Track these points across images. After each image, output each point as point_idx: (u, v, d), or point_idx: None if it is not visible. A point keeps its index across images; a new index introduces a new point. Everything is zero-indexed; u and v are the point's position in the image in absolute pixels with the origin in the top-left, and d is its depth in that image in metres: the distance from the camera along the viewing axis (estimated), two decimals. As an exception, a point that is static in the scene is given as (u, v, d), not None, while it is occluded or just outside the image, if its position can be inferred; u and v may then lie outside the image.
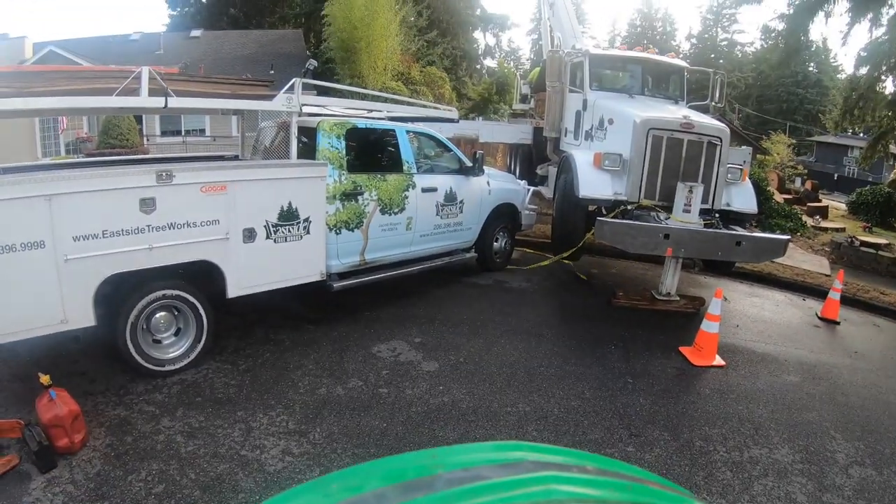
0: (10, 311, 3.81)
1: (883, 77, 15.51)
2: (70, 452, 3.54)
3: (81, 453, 3.57)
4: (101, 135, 17.15)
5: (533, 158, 11.66)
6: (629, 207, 7.19)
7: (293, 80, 5.49)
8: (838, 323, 7.75)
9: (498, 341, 5.74)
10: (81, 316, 4.10)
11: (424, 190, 6.57)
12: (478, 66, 37.57)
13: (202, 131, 20.94)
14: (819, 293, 8.92)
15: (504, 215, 8.08)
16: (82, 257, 4.03)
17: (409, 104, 7.75)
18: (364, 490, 0.31)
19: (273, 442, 3.79)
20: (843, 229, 15.22)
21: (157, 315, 4.63)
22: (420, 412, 4.28)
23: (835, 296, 7.95)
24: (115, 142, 16.39)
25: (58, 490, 3.23)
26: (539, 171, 10.88)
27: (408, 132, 6.60)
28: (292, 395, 4.41)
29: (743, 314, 7.64)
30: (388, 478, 0.32)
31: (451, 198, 6.95)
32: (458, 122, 8.36)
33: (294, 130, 5.43)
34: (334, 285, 5.74)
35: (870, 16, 13.61)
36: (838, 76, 51.15)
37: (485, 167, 7.62)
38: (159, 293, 4.56)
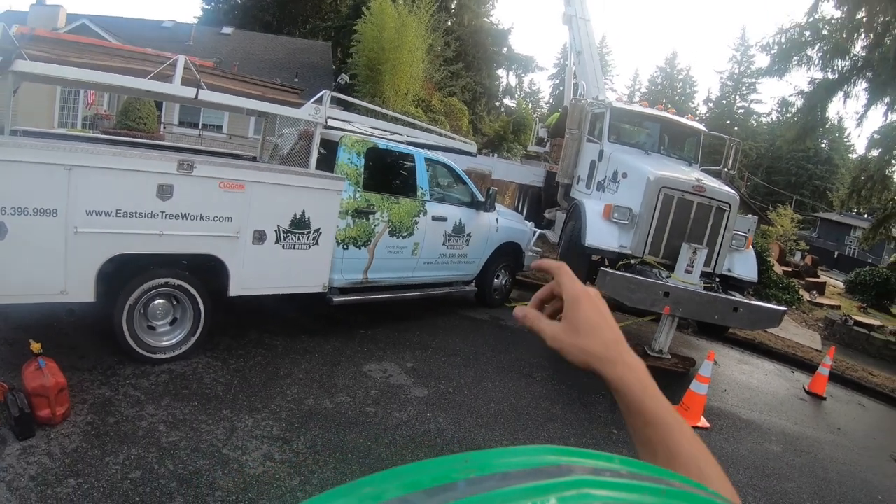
0: (12, 274, 3.86)
1: (894, 161, 15.74)
2: (50, 424, 3.56)
3: (61, 427, 3.59)
4: (120, 115, 17.23)
5: (542, 201, 11.77)
6: (632, 262, 7.26)
7: (323, 92, 5.60)
8: (824, 398, 7.79)
9: (489, 376, 5.76)
10: (81, 290, 4.15)
11: (435, 218, 6.65)
12: (496, 104, 37.95)
13: (219, 128, 21.10)
14: (808, 367, 8.99)
15: (508, 254, 8.16)
16: (92, 232, 4.09)
17: (429, 131, 7.86)
18: (397, 494, 0.33)
19: (256, 445, 3.80)
20: (839, 307, 15.29)
21: (156, 302, 4.69)
22: (405, 436, 4.29)
23: (824, 371, 8.01)
24: (132, 124, 16.45)
25: (32, 460, 3.25)
26: (547, 215, 10.97)
27: (426, 159, 6.70)
28: (280, 402, 4.42)
29: (732, 380, 7.67)
30: (418, 483, 0.34)
31: (459, 229, 7.02)
32: (475, 155, 8.46)
33: (317, 141, 5.52)
34: (334, 299, 5.79)
35: (887, 99, 13.85)
36: (850, 156, 51.83)
37: (496, 204, 7.71)
38: (162, 280, 4.63)
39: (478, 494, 0.36)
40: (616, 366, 0.72)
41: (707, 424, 5.77)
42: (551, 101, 58.35)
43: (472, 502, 0.35)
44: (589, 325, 0.73)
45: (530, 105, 45.40)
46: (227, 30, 27.45)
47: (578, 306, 0.75)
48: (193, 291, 4.78)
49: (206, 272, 4.88)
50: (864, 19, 13.04)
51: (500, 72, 38.11)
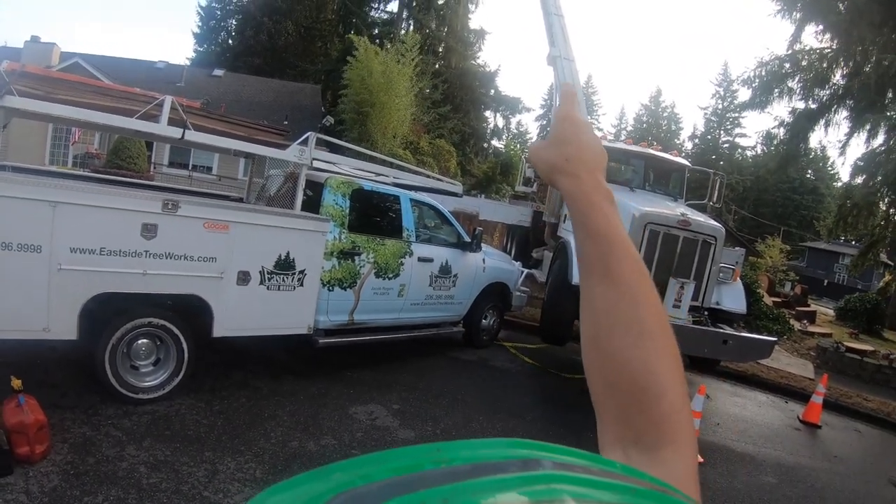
0: None
1: (878, 187, 15.91)
2: (29, 462, 3.49)
3: (40, 465, 3.51)
4: (111, 154, 17.23)
5: (529, 241, 11.77)
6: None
7: (308, 133, 5.66)
8: (819, 427, 7.73)
9: (476, 418, 5.69)
10: (64, 328, 4.10)
11: (421, 259, 6.65)
12: (485, 145, 38.11)
13: (209, 169, 21.12)
14: (802, 396, 8.95)
15: (495, 294, 8.14)
16: (76, 269, 4.07)
17: (415, 173, 7.92)
18: (367, 481, 0.32)
19: (238, 488, 3.72)
20: (830, 334, 15.28)
21: (140, 341, 4.63)
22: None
23: (817, 399, 7.97)
24: (122, 163, 16.42)
25: (10, 497, 3.17)
26: (534, 255, 10.97)
27: (411, 200, 6.73)
28: (263, 444, 4.34)
29: (724, 413, 7.61)
30: (392, 470, 0.33)
31: (445, 270, 7.02)
32: (461, 196, 8.49)
33: (302, 182, 5.54)
34: (319, 341, 5.73)
35: (868, 127, 14.08)
36: (835, 184, 52.58)
37: (482, 244, 7.74)
38: (145, 320, 4.58)
39: (447, 485, 0.35)
40: (568, 178, 0.74)
41: (700, 459, 5.68)
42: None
43: (441, 492, 0.35)
44: (558, 139, 0.78)
45: (518, 146, 45.87)
46: (219, 72, 27.80)
47: (557, 124, 0.80)
48: (177, 332, 4.73)
49: (190, 312, 4.84)
50: (844, 49, 13.35)
51: (488, 113, 38.42)
